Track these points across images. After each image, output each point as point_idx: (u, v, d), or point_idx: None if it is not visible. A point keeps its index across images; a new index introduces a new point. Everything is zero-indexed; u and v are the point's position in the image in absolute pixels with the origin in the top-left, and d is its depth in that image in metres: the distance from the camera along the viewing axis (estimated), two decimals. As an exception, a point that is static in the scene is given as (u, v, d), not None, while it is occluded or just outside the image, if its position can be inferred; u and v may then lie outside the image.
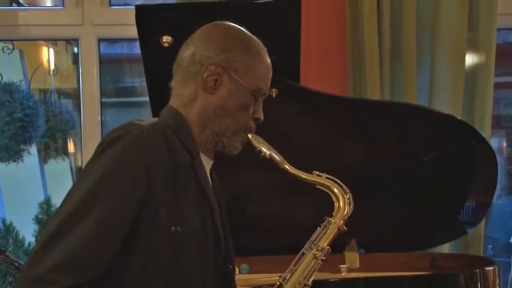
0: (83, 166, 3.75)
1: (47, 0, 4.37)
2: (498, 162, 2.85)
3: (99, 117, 3.78)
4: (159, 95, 2.38)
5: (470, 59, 3.50)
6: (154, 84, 2.55)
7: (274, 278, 2.46)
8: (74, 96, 4.46)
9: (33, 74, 4.44)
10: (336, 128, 2.79)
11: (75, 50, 4.35)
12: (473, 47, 3.49)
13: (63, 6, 3.79)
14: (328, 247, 1.72)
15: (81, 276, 1.45)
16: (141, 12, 2.46)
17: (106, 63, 4.43)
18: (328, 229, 1.73)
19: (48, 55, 4.43)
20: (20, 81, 4.10)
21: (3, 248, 3.20)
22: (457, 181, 2.88)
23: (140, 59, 2.54)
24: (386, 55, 3.42)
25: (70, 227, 1.45)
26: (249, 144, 1.67)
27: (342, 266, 2.78)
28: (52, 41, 4.41)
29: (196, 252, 1.58)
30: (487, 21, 3.45)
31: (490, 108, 3.48)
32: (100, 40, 3.81)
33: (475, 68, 3.50)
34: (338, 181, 1.75)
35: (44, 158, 4.37)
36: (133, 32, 2.47)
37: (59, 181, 4.57)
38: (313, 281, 1.73)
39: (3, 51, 4.05)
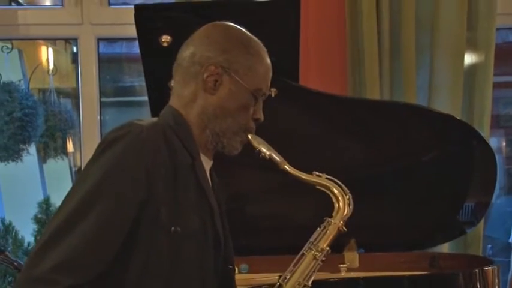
0: (82, 166, 3.77)
1: (46, -1, 4.37)
2: (497, 162, 2.85)
3: (98, 117, 3.78)
4: (158, 94, 2.38)
5: (469, 59, 3.50)
6: (153, 83, 2.55)
7: (273, 277, 2.46)
8: (73, 95, 4.45)
9: (32, 73, 4.44)
10: (336, 127, 2.79)
11: (74, 49, 4.35)
12: (473, 46, 3.49)
13: (62, 5, 3.79)
14: (327, 248, 1.72)
15: (82, 277, 1.45)
16: (140, 11, 2.45)
17: (105, 62, 4.43)
18: (327, 230, 1.73)
19: (47, 54, 4.43)
20: (19, 81, 4.10)
21: (2, 248, 3.19)
22: (456, 181, 2.88)
23: (139, 59, 2.54)
24: (386, 55, 3.42)
25: (70, 228, 1.45)
26: (248, 144, 1.67)
27: (341, 265, 2.78)
28: (51, 40, 4.41)
29: (196, 253, 1.58)
30: (486, 20, 3.45)
31: (489, 108, 3.48)
32: (99, 39, 3.81)
33: (474, 67, 3.50)
34: (338, 182, 1.75)
35: (43, 158, 4.37)
36: (132, 31, 2.47)
37: (58, 181, 4.58)
38: (313, 281, 1.73)
39: (2, 50, 4.05)
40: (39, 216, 4.09)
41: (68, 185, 4.47)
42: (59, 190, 4.36)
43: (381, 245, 2.97)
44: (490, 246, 4.76)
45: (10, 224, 4.02)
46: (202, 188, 1.61)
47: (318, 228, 1.74)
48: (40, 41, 4.38)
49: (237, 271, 2.28)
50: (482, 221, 3.28)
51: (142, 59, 2.53)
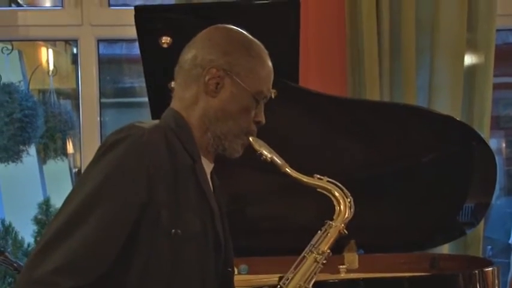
0: (82, 167, 3.78)
1: (46, 0, 4.36)
2: (497, 163, 2.85)
3: (98, 118, 3.78)
4: (158, 95, 2.39)
5: (469, 60, 3.51)
6: (153, 84, 2.55)
7: (273, 278, 2.47)
8: (73, 96, 4.45)
9: (32, 74, 4.43)
10: (335, 128, 2.79)
11: (75, 50, 4.35)
12: (473, 47, 3.50)
13: (62, 6, 3.79)
14: (328, 251, 1.72)
15: (82, 279, 1.44)
16: (140, 12, 2.45)
17: (105, 63, 4.43)
18: (328, 232, 1.73)
19: (47, 55, 4.43)
20: (19, 82, 4.10)
21: (2, 249, 3.18)
22: (456, 182, 2.88)
23: (139, 60, 2.54)
24: (386, 55, 3.42)
25: (71, 230, 1.45)
26: (250, 147, 1.67)
27: (341, 266, 2.78)
28: (51, 41, 4.41)
29: (197, 255, 1.58)
30: (486, 22, 3.46)
31: (489, 109, 3.48)
32: (99, 40, 3.81)
33: (474, 68, 3.50)
34: (339, 184, 1.75)
35: (43, 159, 4.36)
36: (132, 32, 2.47)
37: (58, 182, 4.57)
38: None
39: (2, 51, 4.05)
40: (39, 217, 4.09)
41: (68, 186, 4.48)
42: (59, 191, 4.37)
43: (381, 246, 2.97)
44: (490, 247, 4.75)
45: (10, 225, 4.01)
46: (202, 190, 1.61)
47: (319, 231, 1.74)
48: (40, 42, 4.38)
49: (236, 272, 2.28)
50: (482, 222, 3.28)
51: (142, 60, 2.53)
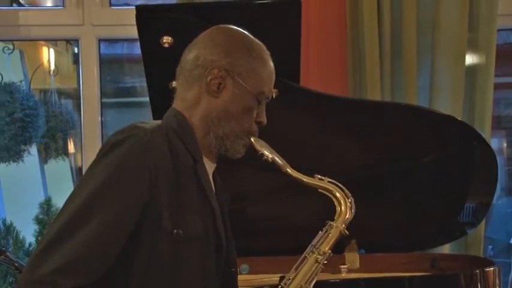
0: (83, 166, 3.78)
1: (48, 0, 4.37)
2: (498, 163, 2.85)
3: (99, 118, 3.78)
4: (159, 95, 2.39)
5: (470, 60, 3.51)
6: (154, 84, 2.55)
7: (274, 278, 2.47)
8: (74, 96, 4.45)
9: (34, 74, 4.44)
10: (336, 128, 2.78)
11: (76, 50, 4.35)
12: (474, 47, 3.50)
13: (63, 6, 3.79)
14: (329, 251, 1.72)
15: (84, 279, 1.44)
16: (142, 12, 2.45)
17: (106, 63, 4.43)
18: (329, 233, 1.73)
19: (48, 55, 4.43)
20: (20, 82, 4.10)
21: (3, 248, 3.19)
22: (457, 182, 2.88)
23: (140, 60, 2.54)
24: (387, 56, 3.42)
25: (72, 230, 1.45)
26: (251, 147, 1.68)
27: (342, 266, 2.78)
28: (52, 41, 4.41)
29: (198, 256, 1.58)
30: (487, 22, 3.46)
31: (490, 109, 3.48)
32: (100, 40, 3.81)
33: (475, 68, 3.50)
34: (340, 185, 1.75)
35: (44, 158, 4.36)
36: (133, 32, 2.47)
37: (59, 181, 4.58)
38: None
39: (3, 51, 4.05)
40: (40, 216, 4.09)
41: (69, 185, 4.48)
42: (60, 191, 4.38)
43: (382, 246, 2.97)
44: (491, 247, 4.75)
45: (11, 224, 4.01)
46: (204, 190, 1.61)
47: (320, 232, 1.74)
48: (41, 42, 4.38)
49: (237, 269, 2.27)
50: (483, 222, 3.28)
51: (143, 60, 2.53)
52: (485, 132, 3.39)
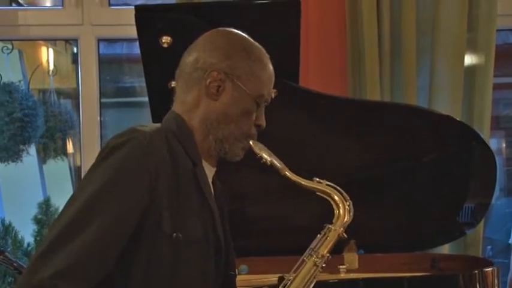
0: (82, 166, 3.77)
1: (47, 0, 4.37)
2: (497, 163, 2.85)
3: (99, 118, 3.78)
4: (159, 95, 2.39)
5: (469, 60, 3.51)
6: (153, 84, 2.55)
7: (273, 278, 2.47)
8: (73, 96, 4.45)
9: (33, 74, 4.43)
10: (335, 129, 2.79)
11: (75, 50, 4.34)
12: (473, 48, 3.50)
13: (62, 6, 3.79)
14: (328, 254, 1.72)
15: (83, 283, 1.44)
16: (141, 12, 2.45)
17: (105, 63, 4.43)
18: (328, 236, 1.73)
19: (47, 55, 4.43)
20: (19, 81, 4.10)
21: (2, 248, 3.19)
22: (456, 182, 2.88)
23: (140, 59, 2.54)
24: (386, 56, 3.42)
25: (72, 234, 1.44)
26: (249, 149, 1.68)
27: (340, 266, 2.78)
28: (51, 41, 4.41)
29: (198, 259, 1.58)
30: (487, 22, 3.46)
31: (489, 109, 3.48)
32: (99, 40, 3.81)
33: (475, 68, 3.50)
34: (338, 188, 1.75)
35: (43, 158, 4.36)
36: (132, 32, 2.47)
37: (58, 181, 4.57)
38: (312, 282, 1.73)
39: (2, 51, 4.05)
40: (39, 216, 4.09)
41: (68, 185, 4.48)
42: (59, 191, 4.38)
43: (381, 246, 2.97)
44: (489, 247, 4.75)
45: (10, 224, 4.01)
46: (203, 193, 1.61)
47: (318, 235, 1.74)
48: (40, 42, 4.38)
49: (236, 272, 2.27)
50: (482, 222, 3.28)
51: (142, 60, 2.53)
52: (484, 132, 3.39)
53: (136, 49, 2.61)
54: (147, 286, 1.53)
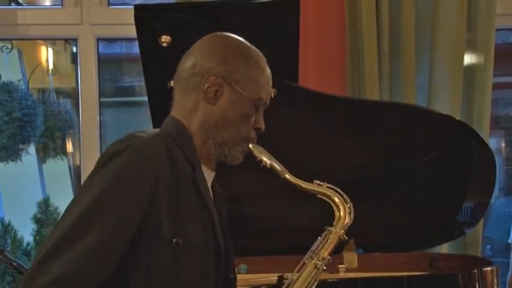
0: (82, 166, 3.77)
1: (46, -1, 4.37)
2: (497, 163, 2.85)
3: (98, 117, 3.78)
4: (158, 94, 2.39)
5: (469, 60, 3.51)
6: (152, 83, 2.55)
7: (272, 278, 2.47)
8: (73, 95, 4.45)
9: (32, 73, 4.44)
10: (335, 128, 2.78)
11: (74, 49, 4.35)
12: (472, 47, 3.50)
13: (61, 5, 3.79)
14: (329, 257, 1.72)
15: None
16: (140, 11, 2.45)
17: (105, 62, 4.43)
18: (328, 239, 1.72)
19: (46, 54, 4.43)
20: (19, 81, 4.10)
21: (1, 248, 3.19)
22: (455, 181, 2.88)
23: (139, 59, 2.53)
24: (385, 55, 3.42)
25: (72, 240, 1.44)
26: (249, 153, 1.68)
27: (340, 266, 2.78)
28: (51, 40, 4.41)
29: (198, 264, 1.59)
30: (486, 21, 3.46)
31: (489, 109, 3.48)
32: (99, 39, 3.81)
33: (474, 68, 3.50)
34: (339, 190, 1.75)
35: (42, 158, 4.37)
36: (132, 31, 2.47)
37: (58, 181, 4.58)
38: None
39: (1, 50, 4.05)
40: (39, 216, 4.09)
41: (67, 185, 4.48)
42: (59, 190, 4.38)
43: (380, 246, 2.97)
44: (489, 246, 4.76)
45: (9, 223, 4.02)
46: (203, 198, 1.62)
47: (319, 237, 1.74)
48: (40, 41, 4.38)
49: (236, 275, 2.28)
50: (482, 221, 3.28)
51: (142, 59, 2.53)
52: (484, 132, 3.39)
53: (135, 48, 2.61)
54: None
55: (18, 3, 4.34)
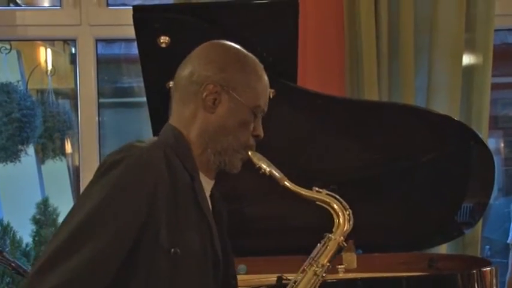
0: (81, 167, 3.77)
1: (45, 0, 4.36)
2: (495, 163, 2.85)
3: (97, 118, 3.77)
4: (157, 95, 2.39)
5: (467, 60, 3.51)
6: (151, 84, 2.54)
7: (271, 278, 2.47)
8: (72, 96, 4.46)
9: (31, 74, 4.44)
10: (334, 128, 2.78)
11: (73, 50, 4.35)
12: (471, 47, 3.50)
13: (60, 6, 3.79)
14: (328, 264, 1.72)
15: None
16: (139, 12, 2.45)
17: (103, 63, 4.43)
18: (328, 245, 1.73)
19: (45, 55, 4.43)
20: (18, 82, 4.10)
21: (0, 248, 3.19)
22: (454, 182, 2.88)
23: (138, 60, 2.53)
24: (384, 56, 3.42)
25: (70, 250, 1.44)
26: (248, 160, 1.68)
27: (339, 266, 2.78)
28: (49, 41, 4.41)
29: (196, 273, 1.58)
30: (485, 22, 3.46)
31: (487, 109, 3.48)
32: (97, 40, 3.81)
33: (473, 68, 3.50)
34: (338, 197, 1.75)
35: (41, 159, 4.37)
36: (130, 32, 2.47)
37: (57, 181, 4.57)
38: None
39: (0, 51, 4.05)
40: (38, 217, 4.09)
41: (66, 186, 4.48)
42: (58, 191, 4.38)
43: (379, 246, 2.97)
44: (488, 247, 4.76)
45: (8, 224, 4.01)
46: (201, 208, 1.61)
47: (319, 244, 1.74)
48: (38, 42, 4.38)
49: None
50: (481, 222, 3.28)
51: (140, 60, 2.53)
52: (483, 132, 3.39)
53: (134, 49, 2.61)
54: None
55: (17, 4, 4.34)
